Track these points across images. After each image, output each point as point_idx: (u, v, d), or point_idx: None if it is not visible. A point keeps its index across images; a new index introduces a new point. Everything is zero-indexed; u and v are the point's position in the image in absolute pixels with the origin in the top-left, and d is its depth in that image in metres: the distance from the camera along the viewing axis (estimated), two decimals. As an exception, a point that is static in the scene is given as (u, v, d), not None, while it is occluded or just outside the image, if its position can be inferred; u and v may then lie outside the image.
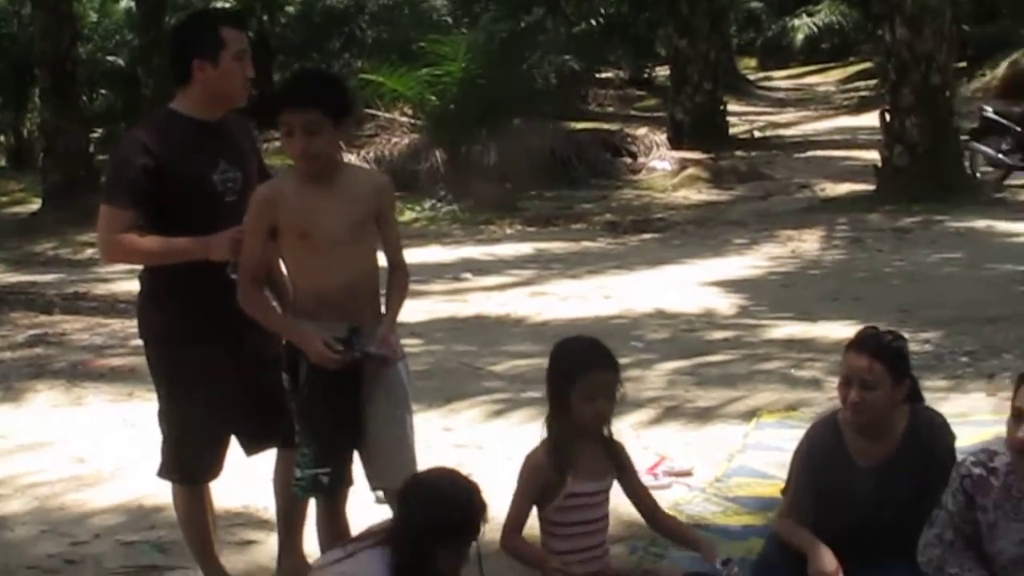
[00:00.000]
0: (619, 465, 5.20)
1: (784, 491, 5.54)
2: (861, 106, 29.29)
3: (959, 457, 5.03)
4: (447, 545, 4.36)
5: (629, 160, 23.56)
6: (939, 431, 5.32)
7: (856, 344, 5.18)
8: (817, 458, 5.33)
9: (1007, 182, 19.88)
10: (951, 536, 4.83)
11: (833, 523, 5.24)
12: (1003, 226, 16.09)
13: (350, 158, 17.58)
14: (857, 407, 5.11)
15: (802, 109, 33.70)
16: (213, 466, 5.63)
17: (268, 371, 5.39)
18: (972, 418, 7.60)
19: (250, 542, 6.47)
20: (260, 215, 5.16)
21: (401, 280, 5.40)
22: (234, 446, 5.70)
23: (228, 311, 5.26)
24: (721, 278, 13.58)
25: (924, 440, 5.24)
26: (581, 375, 4.89)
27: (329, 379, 5.10)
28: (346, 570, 4.55)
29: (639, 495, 5.30)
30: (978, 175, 20.10)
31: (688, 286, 13.21)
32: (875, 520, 5.21)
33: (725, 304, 12.24)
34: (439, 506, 4.37)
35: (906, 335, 8.44)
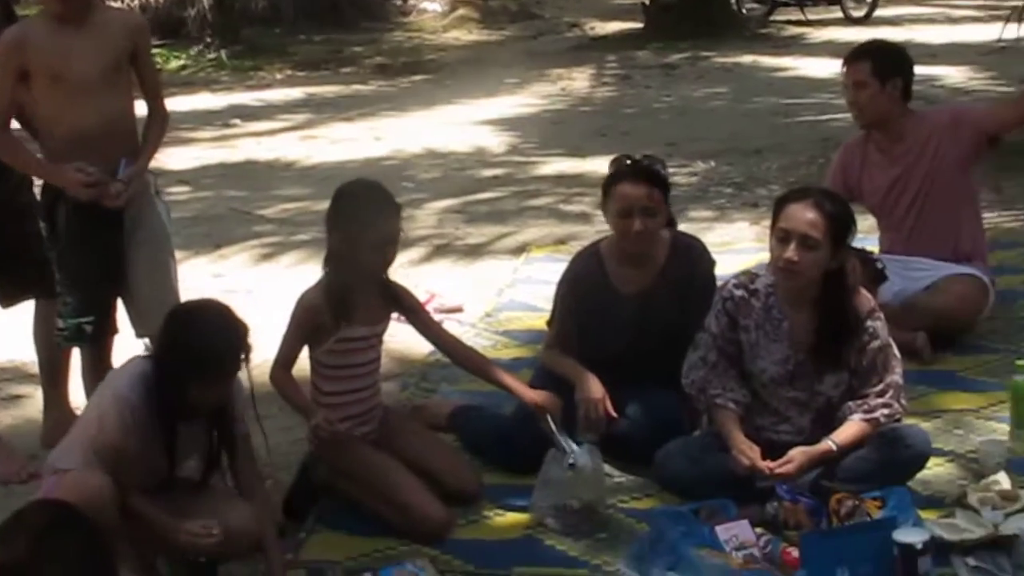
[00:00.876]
0: (407, 308, 5.13)
1: (549, 322, 5.60)
2: (631, -56, 29.34)
3: (721, 283, 5.12)
4: (200, 377, 4.24)
5: (399, 2, 23.36)
6: (699, 256, 5.43)
7: (629, 176, 5.20)
8: (580, 288, 5.39)
9: (772, 17, 20.22)
10: (714, 357, 4.93)
11: (598, 351, 5.32)
12: (767, 61, 16.41)
13: (114, 4, 17.09)
14: (642, 236, 5.17)
15: (572, -52, 33.64)
16: (-33, 318, 5.48)
17: (22, 219, 5.25)
18: (736, 246, 7.81)
19: (17, 396, 6.34)
20: (8, 58, 4.99)
21: (158, 122, 5.30)
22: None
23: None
24: (492, 117, 13.61)
25: (684, 265, 5.34)
26: (374, 226, 4.77)
27: (88, 224, 5.00)
28: (109, 377, 4.47)
29: (436, 334, 5.24)
30: (744, 11, 20.42)
31: (460, 126, 13.20)
32: (639, 346, 5.30)
33: (496, 142, 12.28)
34: (197, 337, 4.23)
35: (673, 168, 8.59)
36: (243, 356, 4.25)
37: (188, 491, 4.41)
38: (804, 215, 4.69)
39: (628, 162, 5.27)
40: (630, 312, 5.30)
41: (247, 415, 4.47)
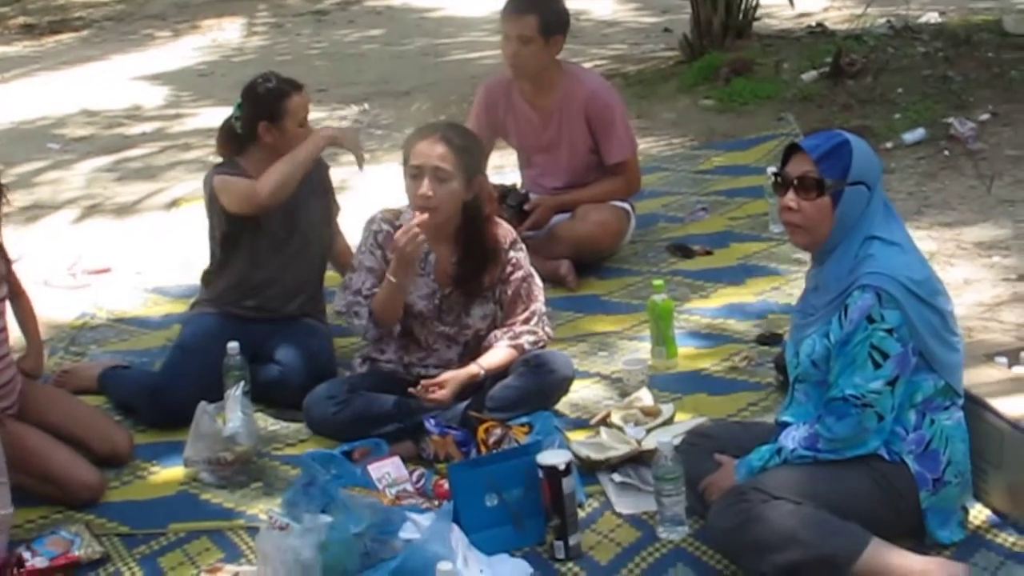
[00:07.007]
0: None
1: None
2: None
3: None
4: None
5: (44, -42, 22.59)
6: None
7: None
8: None
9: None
10: (368, 286, 4.92)
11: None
12: (418, 2, 16.46)
13: None
14: None
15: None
16: None
17: None
18: (384, 191, 7.73)
19: None
20: None
21: None
22: None
23: None
24: (144, 73, 13.29)
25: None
26: None
27: None
28: None
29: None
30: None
31: (111, 83, 12.87)
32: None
33: (148, 98, 12.01)
34: None
35: (324, 113, 8.58)
36: None
37: None
38: (433, 149, 4.76)
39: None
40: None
41: None
